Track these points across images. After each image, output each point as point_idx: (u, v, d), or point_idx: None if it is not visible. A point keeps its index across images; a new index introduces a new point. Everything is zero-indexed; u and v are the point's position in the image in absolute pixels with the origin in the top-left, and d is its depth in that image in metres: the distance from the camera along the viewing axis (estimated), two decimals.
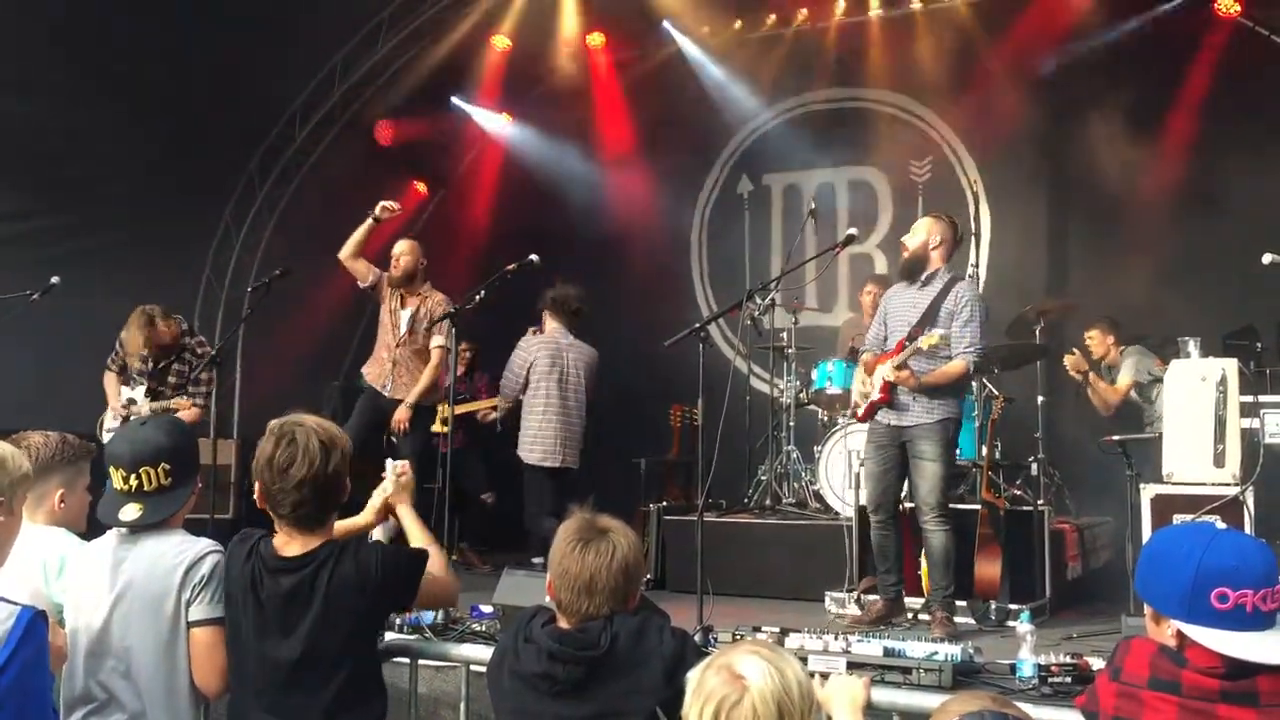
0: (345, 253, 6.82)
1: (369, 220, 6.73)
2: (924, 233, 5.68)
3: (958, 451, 6.10)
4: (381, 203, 6.70)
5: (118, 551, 3.02)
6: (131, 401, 6.79)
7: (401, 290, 6.90)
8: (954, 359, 5.48)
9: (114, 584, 2.97)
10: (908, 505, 5.94)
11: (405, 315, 6.89)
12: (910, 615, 5.86)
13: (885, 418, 5.64)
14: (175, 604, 2.94)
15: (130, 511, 2.99)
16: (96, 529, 3.46)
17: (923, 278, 5.66)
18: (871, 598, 5.98)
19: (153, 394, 6.78)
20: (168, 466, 3.01)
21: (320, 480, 2.87)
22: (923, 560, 5.84)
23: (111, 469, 3.07)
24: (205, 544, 3.04)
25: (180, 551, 2.99)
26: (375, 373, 6.95)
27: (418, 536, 3.31)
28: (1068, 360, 7.62)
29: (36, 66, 7.68)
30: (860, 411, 5.79)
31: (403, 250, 6.95)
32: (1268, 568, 2.09)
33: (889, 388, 5.56)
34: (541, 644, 2.69)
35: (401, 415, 6.70)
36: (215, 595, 2.98)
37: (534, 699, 2.69)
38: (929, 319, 5.53)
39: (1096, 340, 7.80)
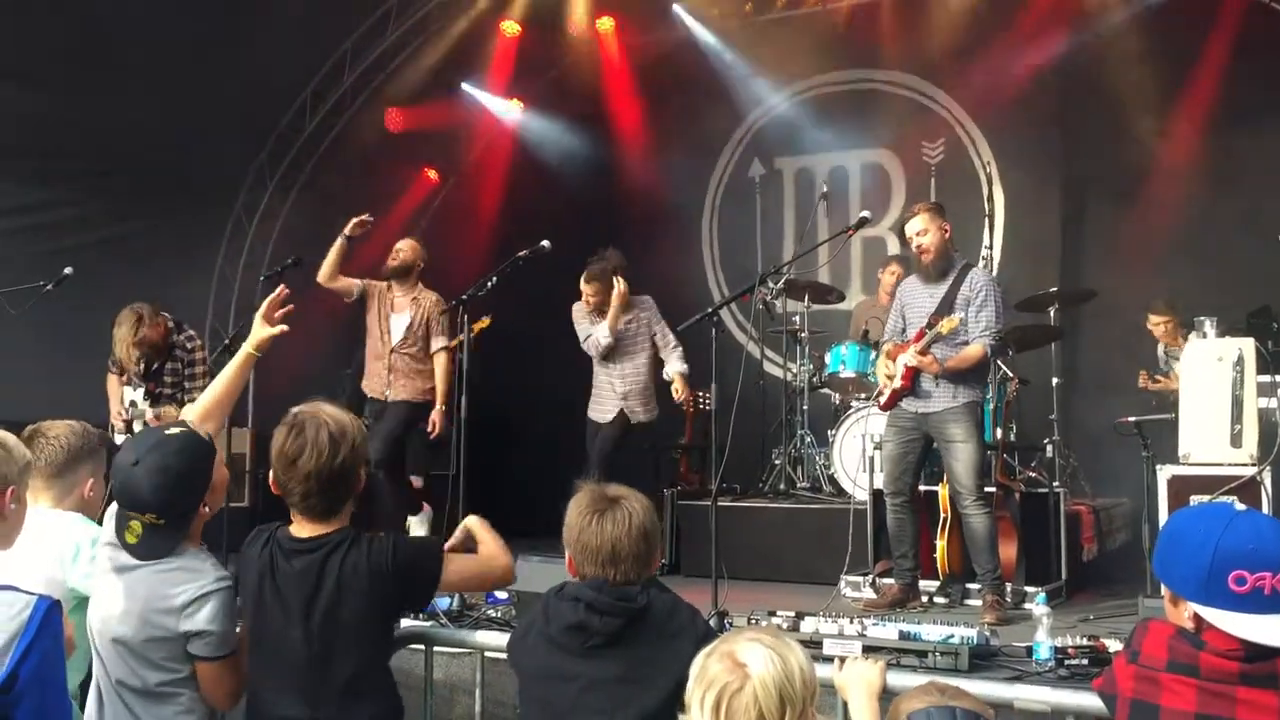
0: (323, 275, 6.70)
1: (341, 240, 6.65)
2: (934, 227, 5.61)
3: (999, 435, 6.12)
4: (353, 220, 6.64)
5: (121, 556, 2.96)
6: (133, 404, 6.78)
7: (394, 285, 6.84)
8: (972, 343, 5.49)
9: (125, 593, 2.93)
10: (924, 488, 5.94)
11: (399, 321, 6.84)
12: (925, 598, 5.87)
13: (910, 405, 5.64)
14: (174, 636, 2.89)
15: (132, 532, 2.91)
16: None
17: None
18: (887, 581, 5.98)
19: (152, 397, 6.76)
20: (153, 516, 2.89)
21: (327, 473, 2.85)
22: (937, 543, 5.84)
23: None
24: (208, 579, 2.92)
25: (181, 590, 2.90)
26: (373, 384, 6.93)
27: (488, 543, 3.19)
28: (1141, 380, 7.56)
29: (47, 57, 7.68)
30: (883, 400, 5.77)
31: (404, 246, 6.93)
32: None
33: (911, 375, 5.57)
34: (581, 595, 2.69)
35: (438, 419, 6.73)
36: (217, 636, 2.91)
37: (562, 659, 2.69)
38: (946, 307, 5.54)
39: (1161, 326, 7.56)
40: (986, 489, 5.65)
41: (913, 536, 5.74)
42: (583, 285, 6.87)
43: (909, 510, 5.73)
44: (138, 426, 6.75)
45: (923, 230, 5.63)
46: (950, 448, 5.52)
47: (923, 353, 5.50)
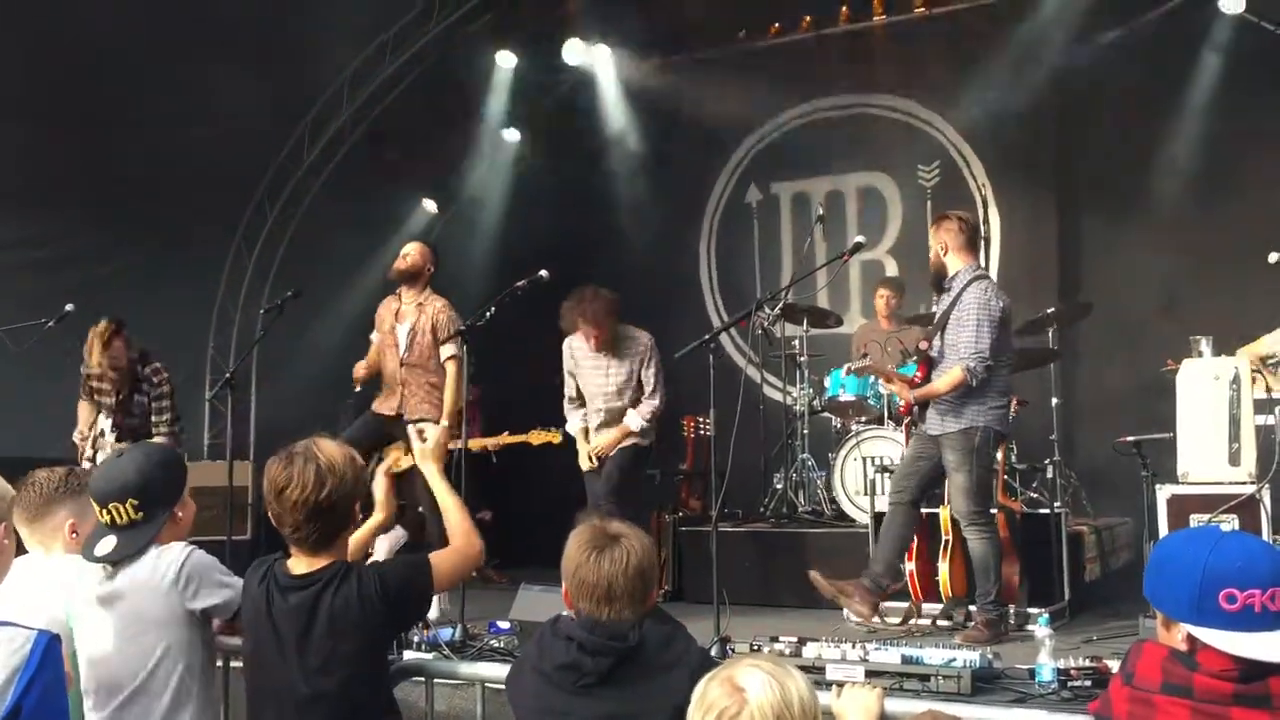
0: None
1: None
2: (935, 241, 5.67)
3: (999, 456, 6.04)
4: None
5: (103, 588, 3.05)
6: (103, 433, 6.68)
7: (402, 293, 6.64)
8: (953, 366, 5.42)
9: (110, 620, 2.98)
10: (926, 510, 5.95)
11: (403, 329, 6.56)
12: (929, 621, 5.87)
13: (922, 425, 5.66)
14: (174, 611, 2.99)
15: (104, 546, 3.03)
16: None
17: (945, 285, 5.66)
18: (890, 603, 5.99)
19: (119, 430, 6.65)
20: (135, 502, 3.04)
21: (313, 506, 2.88)
22: (940, 565, 5.84)
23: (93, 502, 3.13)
24: (178, 549, 3.08)
25: (155, 566, 3.04)
26: (383, 402, 6.66)
27: (446, 500, 3.31)
28: None
29: (46, 92, 7.74)
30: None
31: (412, 248, 6.71)
32: (1274, 567, 2.07)
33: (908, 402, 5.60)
34: (573, 634, 2.70)
35: (444, 437, 6.58)
36: (231, 594, 3.08)
37: (556, 696, 2.69)
38: (940, 325, 5.56)
39: None
40: (989, 511, 5.62)
41: (892, 542, 5.65)
42: (582, 326, 6.52)
43: (898, 513, 5.67)
44: (101, 458, 6.65)
45: (930, 246, 5.70)
46: (947, 473, 5.53)
47: (890, 380, 5.57)
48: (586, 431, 6.76)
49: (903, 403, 5.66)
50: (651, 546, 2.81)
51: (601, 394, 6.64)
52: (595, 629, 2.68)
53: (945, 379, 5.41)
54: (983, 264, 7.28)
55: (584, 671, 2.65)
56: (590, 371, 6.68)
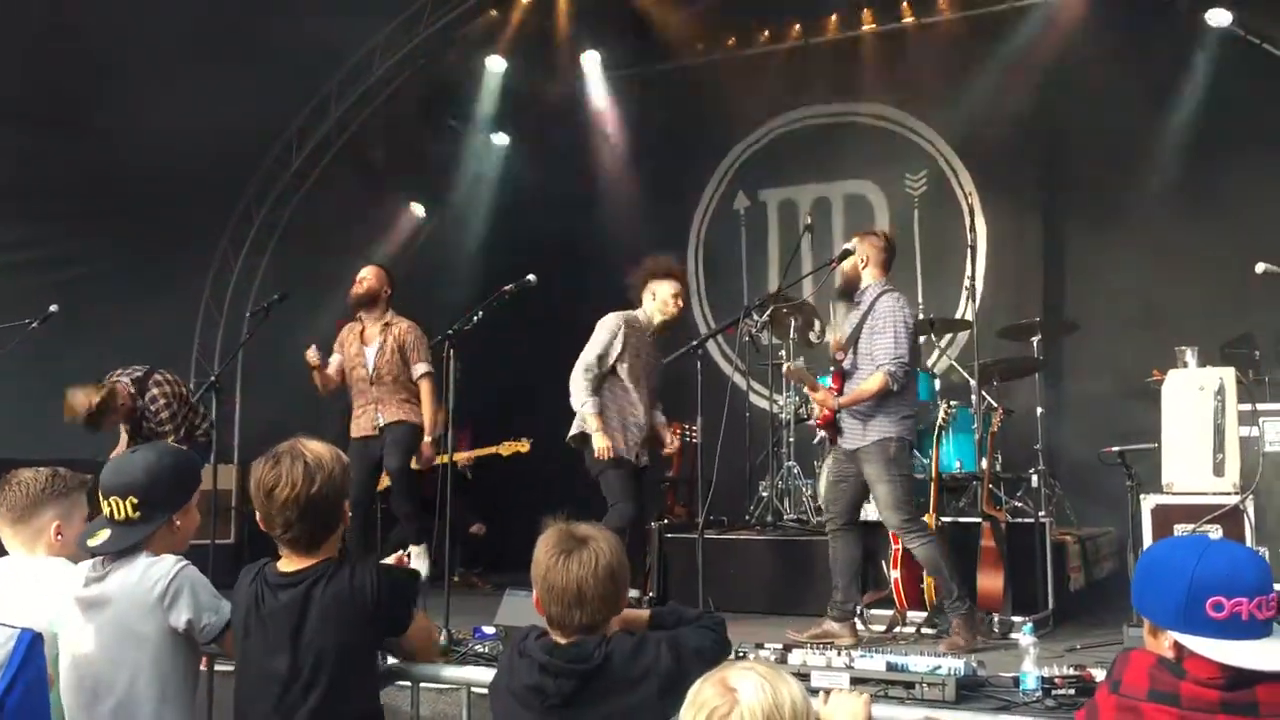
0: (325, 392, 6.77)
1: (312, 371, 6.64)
2: (858, 250, 5.69)
3: (917, 462, 6.08)
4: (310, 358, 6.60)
5: (91, 589, 3.00)
6: None
7: (361, 317, 6.72)
8: (874, 374, 5.43)
9: (95, 625, 2.95)
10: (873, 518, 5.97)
11: (371, 351, 6.65)
12: (914, 629, 5.87)
13: (840, 440, 5.65)
14: (159, 626, 2.93)
15: (98, 538, 3.00)
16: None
17: (856, 298, 5.70)
18: (875, 612, 5.98)
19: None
20: (135, 501, 2.99)
21: (304, 502, 2.86)
22: (924, 573, 5.85)
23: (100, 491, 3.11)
24: (169, 562, 3.00)
25: (145, 575, 2.97)
26: (361, 423, 6.69)
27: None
28: None
29: (36, 95, 7.70)
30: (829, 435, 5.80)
31: (367, 273, 6.77)
32: (1261, 575, 2.09)
33: (829, 412, 5.60)
34: (535, 657, 2.68)
35: (429, 451, 6.56)
36: (214, 616, 3.00)
37: (527, 715, 2.68)
38: (854, 338, 5.59)
39: None
40: (920, 518, 5.56)
41: (844, 567, 5.65)
42: (669, 284, 6.24)
43: (841, 539, 5.68)
44: None
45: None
46: (870, 485, 5.51)
47: (814, 389, 5.61)
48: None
49: (822, 413, 5.64)
50: (620, 547, 2.78)
51: (652, 373, 6.26)
52: (556, 652, 2.66)
53: (869, 384, 5.41)
54: (971, 276, 7.35)
55: (548, 694, 2.64)
56: (646, 352, 6.26)
